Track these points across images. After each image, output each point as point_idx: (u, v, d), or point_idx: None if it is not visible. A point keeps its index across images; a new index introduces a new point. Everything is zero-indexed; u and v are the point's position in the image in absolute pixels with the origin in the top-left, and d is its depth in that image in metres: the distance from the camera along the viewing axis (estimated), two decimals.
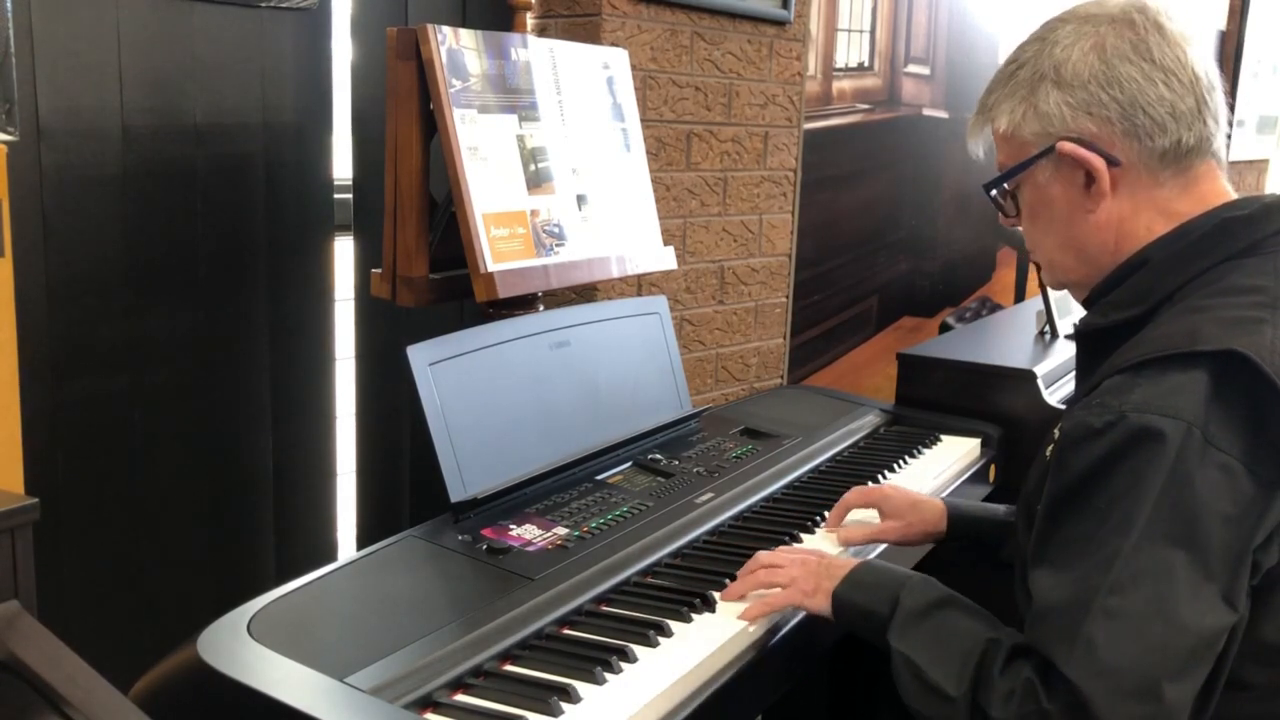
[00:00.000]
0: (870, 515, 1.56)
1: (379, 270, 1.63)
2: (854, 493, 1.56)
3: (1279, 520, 0.98)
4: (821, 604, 1.24)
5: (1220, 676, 0.99)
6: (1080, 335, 1.19)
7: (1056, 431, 1.13)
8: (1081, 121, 1.11)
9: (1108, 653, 0.95)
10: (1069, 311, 2.61)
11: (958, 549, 1.55)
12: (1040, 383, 2.13)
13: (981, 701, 1.03)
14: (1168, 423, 0.96)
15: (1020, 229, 1.24)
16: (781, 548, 1.37)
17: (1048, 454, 1.18)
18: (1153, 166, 1.12)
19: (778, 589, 1.27)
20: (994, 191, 1.22)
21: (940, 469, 1.89)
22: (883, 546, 1.52)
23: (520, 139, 1.63)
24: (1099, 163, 1.11)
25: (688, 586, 1.32)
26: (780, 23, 2.44)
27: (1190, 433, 0.96)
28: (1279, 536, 0.99)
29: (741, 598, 1.29)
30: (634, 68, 1.96)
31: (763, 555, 1.32)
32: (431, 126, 1.55)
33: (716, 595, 1.30)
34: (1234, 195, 1.15)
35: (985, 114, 1.21)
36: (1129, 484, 0.98)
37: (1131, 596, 0.95)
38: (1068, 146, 1.12)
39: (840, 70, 2.73)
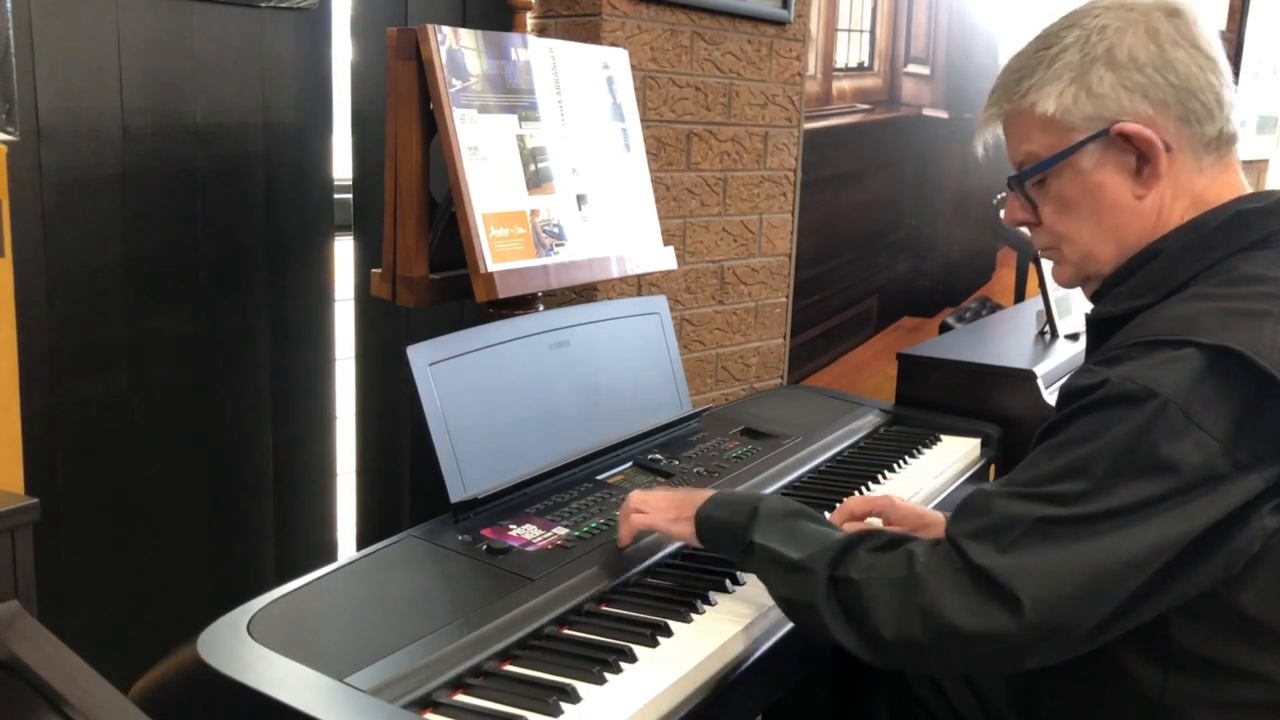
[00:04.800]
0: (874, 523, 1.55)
1: (379, 270, 1.63)
2: (858, 500, 1.53)
3: (1243, 500, 0.98)
4: (685, 528, 1.30)
5: (1135, 609, 1.00)
6: (1091, 323, 1.19)
7: None
8: (1138, 104, 1.10)
9: (1027, 560, 0.99)
10: (1069, 311, 2.61)
11: None
12: (1040, 383, 2.13)
13: (839, 573, 1.10)
14: (1145, 393, 0.98)
15: (1027, 229, 1.23)
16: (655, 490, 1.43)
17: None
18: (1199, 153, 1.12)
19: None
20: (1026, 183, 1.18)
21: (940, 469, 1.89)
22: None
23: (520, 139, 1.63)
24: (1160, 144, 1.10)
25: (688, 586, 1.32)
26: (780, 23, 2.44)
27: (1166, 406, 0.97)
28: (1263, 508, 0.99)
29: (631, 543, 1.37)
30: (634, 68, 1.96)
31: (634, 497, 1.37)
32: (431, 126, 1.55)
33: (717, 595, 1.30)
34: (1249, 189, 1.15)
35: (1016, 100, 1.16)
36: (1093, 430, 1.00)
37: (1063, 528, 0.99)
38: (1129, 127, 1.10)
39: (840, 70, 2.73)
